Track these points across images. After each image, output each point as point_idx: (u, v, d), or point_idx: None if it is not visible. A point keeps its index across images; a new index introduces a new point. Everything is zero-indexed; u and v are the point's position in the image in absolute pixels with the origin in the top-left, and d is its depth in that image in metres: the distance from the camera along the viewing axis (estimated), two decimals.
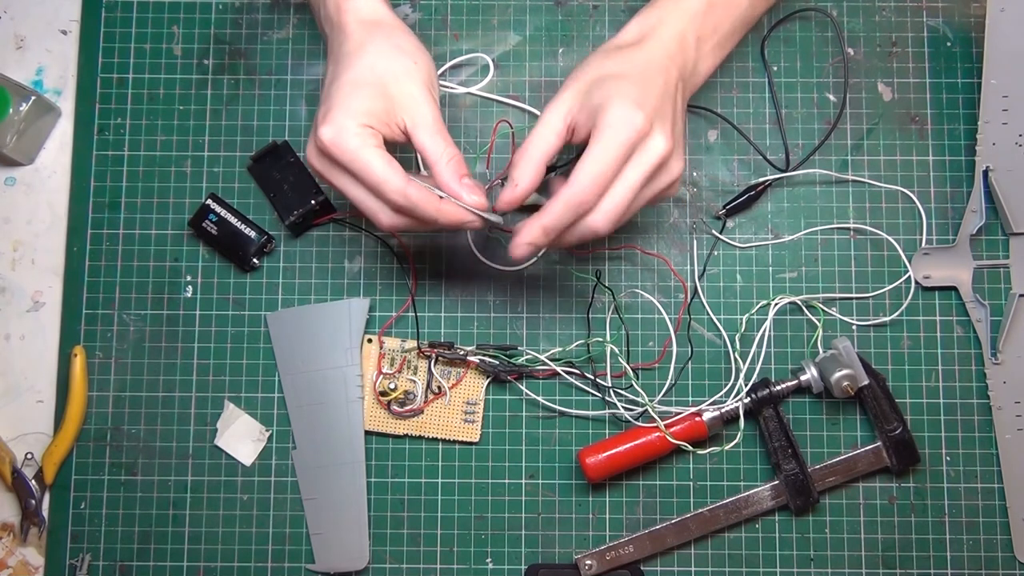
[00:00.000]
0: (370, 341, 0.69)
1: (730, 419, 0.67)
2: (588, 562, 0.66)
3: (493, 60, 0.72)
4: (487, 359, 0.68)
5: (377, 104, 0.56)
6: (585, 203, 0.54)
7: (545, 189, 0.60)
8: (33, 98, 0.69)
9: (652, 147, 0.55)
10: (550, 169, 0.59)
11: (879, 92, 0.71)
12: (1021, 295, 0.69)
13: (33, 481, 0.68)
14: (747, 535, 0.68)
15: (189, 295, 0.70)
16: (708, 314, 0.69)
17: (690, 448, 0.66)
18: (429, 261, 0.70)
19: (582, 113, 0.56)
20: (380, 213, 0.57)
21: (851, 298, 0.69)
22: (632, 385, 0.67)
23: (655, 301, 0.69)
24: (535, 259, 0.69)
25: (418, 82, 0.57)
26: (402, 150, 0.71)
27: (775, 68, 0.72)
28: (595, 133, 0.54)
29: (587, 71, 0.57)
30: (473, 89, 0.71)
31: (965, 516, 0.68)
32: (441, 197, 0.57)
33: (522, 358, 0.68)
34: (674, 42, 0.58)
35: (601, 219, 0.56)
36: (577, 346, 0.69)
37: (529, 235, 0.56)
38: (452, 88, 0.71)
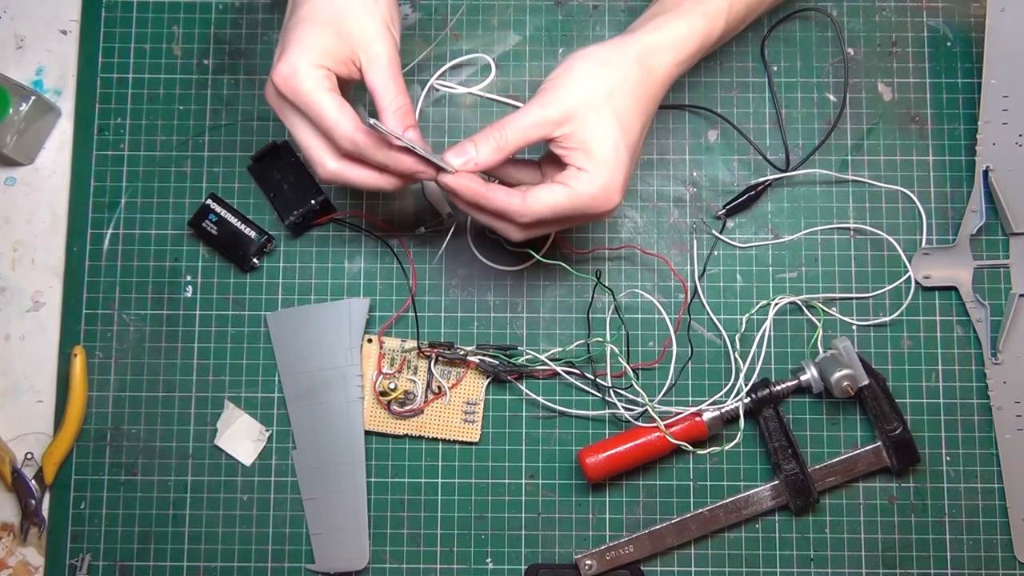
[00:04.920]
0: (370, 341, 0.69)
1: (730, 419, 0.67)
2: (588, 562, 0.66)
3: (493, 60, 0.72)
4: (487, 359, 0.68)
5: (333, 42, 0.54)
6: (521, 221, 0.56)
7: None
8: (33, 98, 0.69)
9: (607, 214, 0.57)
10: None
11: (879, 92, 0.71)
12: (1021, 295, 0.69)
13: (33, 481, 0.68)
14: (747, 535, 0.68)
15: (189, 295, 0.70)
16: (708, 314, 0.69)
17: (690, 448, 0.66)
18: (429, 261, 0.70)
19: (573, 137, 0.55)
20: (325, 159, 0.55)
21: (851, 298, 0.69)
22: (632, 385, 0.67)
23: (655, 301, 0.69)
24: (534, 259, 0.69)
25: (376, 19, 0.55)
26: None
27: (775, 68, 0.72)
28: (572, 181, 0.55)
29: (600, 83, 0.55)
30: (473, 89, 0.71)
31: (965, 516, 0.68)
32: (397, 140, 0.54)
33: (522, 358, 0.68)
34: (669, 78, 0.58)
35: (518, 236, 0.58)
36: (577, 346, 0.68)
37: (460, 184, 0.55)
38: (452, 88, 0.71)
